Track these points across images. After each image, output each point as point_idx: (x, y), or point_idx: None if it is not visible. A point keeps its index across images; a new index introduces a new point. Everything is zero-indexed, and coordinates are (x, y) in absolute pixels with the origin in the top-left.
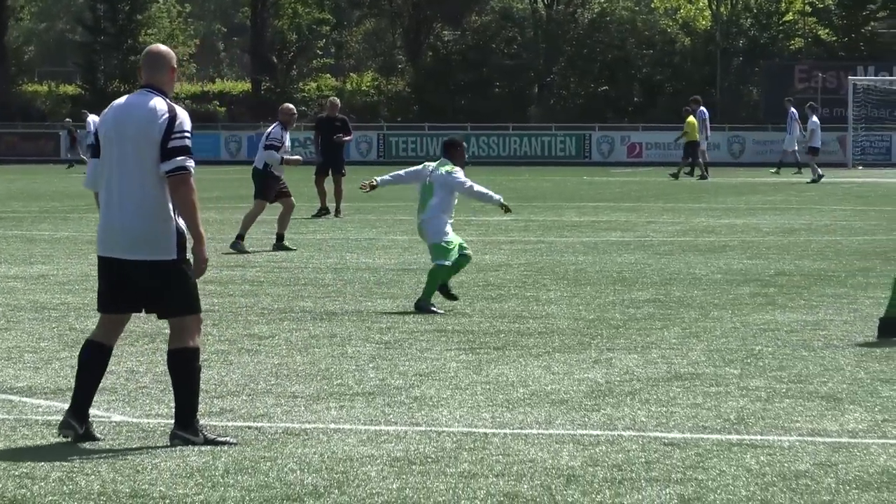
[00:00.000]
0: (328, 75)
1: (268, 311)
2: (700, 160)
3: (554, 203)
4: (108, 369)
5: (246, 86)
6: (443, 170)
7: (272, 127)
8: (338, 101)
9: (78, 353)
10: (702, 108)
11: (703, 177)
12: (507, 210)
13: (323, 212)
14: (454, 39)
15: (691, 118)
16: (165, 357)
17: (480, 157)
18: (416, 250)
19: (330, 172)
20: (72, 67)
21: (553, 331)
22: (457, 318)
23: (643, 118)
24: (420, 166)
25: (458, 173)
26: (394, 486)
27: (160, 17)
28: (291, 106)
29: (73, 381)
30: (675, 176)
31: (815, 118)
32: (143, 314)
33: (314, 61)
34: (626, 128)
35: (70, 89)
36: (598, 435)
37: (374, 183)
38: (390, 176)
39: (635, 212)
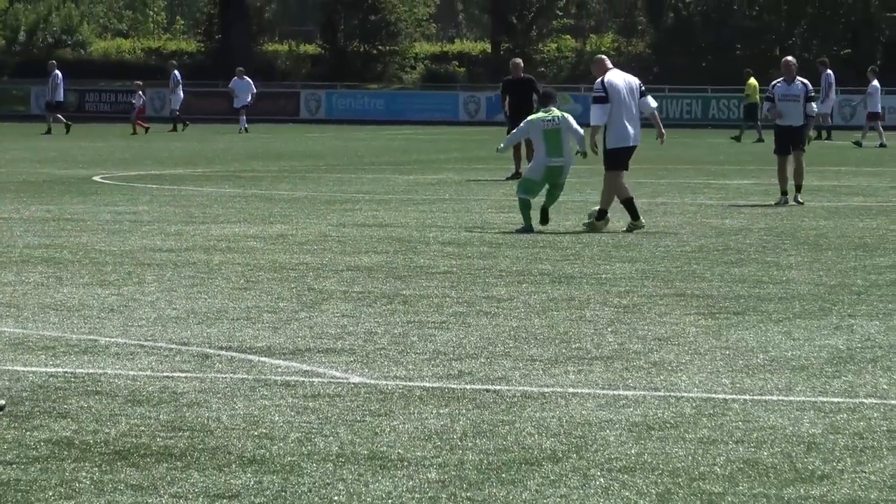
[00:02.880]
0: (568, 36)
1: (506, 273)
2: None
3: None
4: (346, 330)
5: (485, 46)
6: (561, 114)
7: None
8: (520, 61)
9: None
10: (828, 70)
11: (759, 140)
12: (584, 155)
13: (516, 175)
14: (695, 1)
15: (752, 80)
16: (403, 320)
17: (720, 120)
18: (654, 213)
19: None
20: (312, 27)
21: (793, 296)
22: (696, 282)
23: (886, 82)
24: (526, 124)
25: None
26: (632, 450)
27: None
28: (789, 58)
29: (312, 341)
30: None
31: (875, 82)
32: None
33: (554, 22)
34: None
35: (310, 49)
36: (839, 402)
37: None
38: (507, 141)
39: (877, 176)
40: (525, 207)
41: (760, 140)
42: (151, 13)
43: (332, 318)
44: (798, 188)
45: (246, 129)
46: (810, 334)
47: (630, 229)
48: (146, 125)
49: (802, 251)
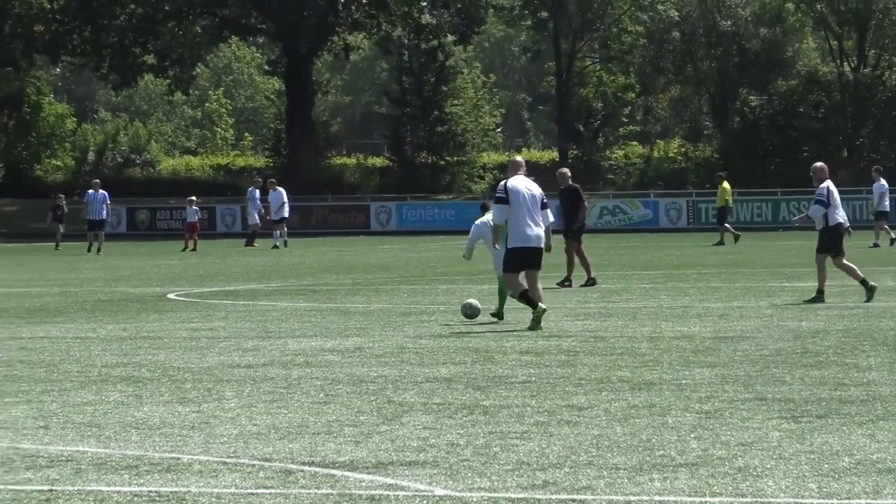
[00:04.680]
0: (635, 143)
1: (585, 381)
2: (727, 226)
3: (870, 268)
4: (428, 442)
5: (553, 154)
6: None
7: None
8: (567, 171)
9: None
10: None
11: (737, 237)
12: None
13: (566, 281)
14: (761, 104)
15: (725, 184)
16: (484, 431)
17: (791, 223)
18: (731, 317)
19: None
20: (378, 139)
21: (875, 398)
22: (777, 386)
23: None
24: (477, 226)
25: None
26: None
27: (465, 88)
28: (820, 164)
29: (395, 454)
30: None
31: (882, 181)
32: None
33: (620, 129)
34: None
35: (378, 161)
36: None
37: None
38: (468, 247)
39: None
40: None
41: (721, 244)
42: (220, 130)
43: (414, 431)
44: (862, 283)
45: (285, 244)
46: (895, 436)
47: (533, 326)
48: (194, 243)
49: (882, 352)
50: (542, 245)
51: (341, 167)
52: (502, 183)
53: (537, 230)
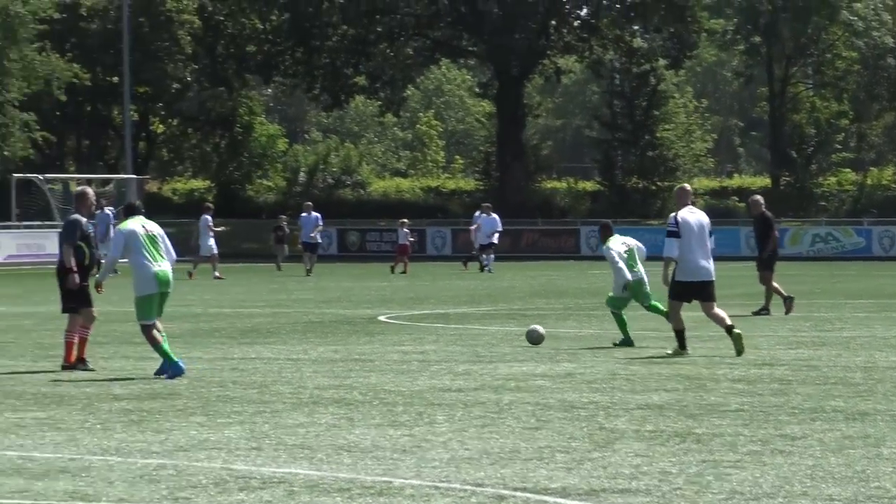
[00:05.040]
0: (848, 169)
1: (798, 410)
2: None
3: None
4: (640, 470)
5: (765, 181)
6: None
7: None
8: (759, 198)
9: None
10: None
11: None
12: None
13: (789, 300)
14: None
15: None
16: (697, 459)
17: None
18: None
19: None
20: (589, 163)
21: None
22: None
23: None
24: (616, 254)
25: None
26: None
27: (676, 113)
28: None
29: (606, 481)
30: None
31: None
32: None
33: (833, 155)
34: None
35: (588, 185)
36: None
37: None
38: (625, 275)
39: None
40: (621, 323)
41: None
42: (430, 152)
43: (626, 458)
44: None
45: (490, 270)
46: None
47: (674, 354)
48: (405, 266)
49: None
50: (713, 277)
51: (552, 191)
52: (672, 215)
53: (706, 263)
